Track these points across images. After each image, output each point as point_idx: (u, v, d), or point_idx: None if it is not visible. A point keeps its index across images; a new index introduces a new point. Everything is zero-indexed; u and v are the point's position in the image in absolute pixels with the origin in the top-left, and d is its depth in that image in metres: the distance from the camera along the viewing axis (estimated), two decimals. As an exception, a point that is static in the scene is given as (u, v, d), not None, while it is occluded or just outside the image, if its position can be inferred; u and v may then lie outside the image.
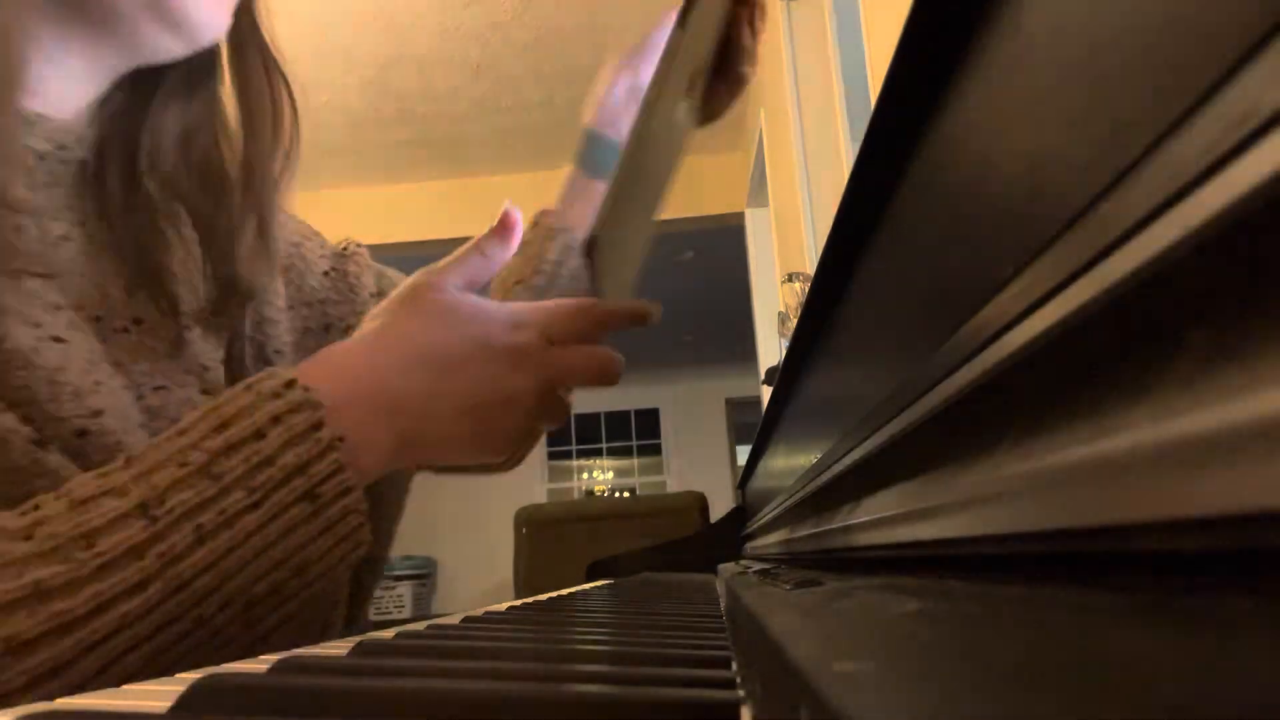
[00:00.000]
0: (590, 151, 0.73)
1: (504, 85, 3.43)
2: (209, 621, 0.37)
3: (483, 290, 0.52)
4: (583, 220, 0.73)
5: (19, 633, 0.33)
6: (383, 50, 3.20)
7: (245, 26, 0.57)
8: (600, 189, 0.71)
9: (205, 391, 0.53)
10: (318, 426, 0.41)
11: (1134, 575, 0.15)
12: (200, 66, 0.57)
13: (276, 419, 0.40)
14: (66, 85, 0.50)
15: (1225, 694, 0.08)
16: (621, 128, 0.72)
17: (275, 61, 0.58)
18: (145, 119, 0.55)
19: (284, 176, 0.57)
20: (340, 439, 0.41)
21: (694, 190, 4.04)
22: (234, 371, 0.58)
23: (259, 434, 0.39)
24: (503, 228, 0.52)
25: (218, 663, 0.29)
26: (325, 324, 0.66)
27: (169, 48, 0.51)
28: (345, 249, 0.71)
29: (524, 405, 0.48)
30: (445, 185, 4.17)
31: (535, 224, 0.74)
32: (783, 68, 2.66)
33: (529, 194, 4.08)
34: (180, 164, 0.56)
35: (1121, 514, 0.12)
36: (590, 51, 3.23)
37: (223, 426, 0.39)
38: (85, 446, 0.43)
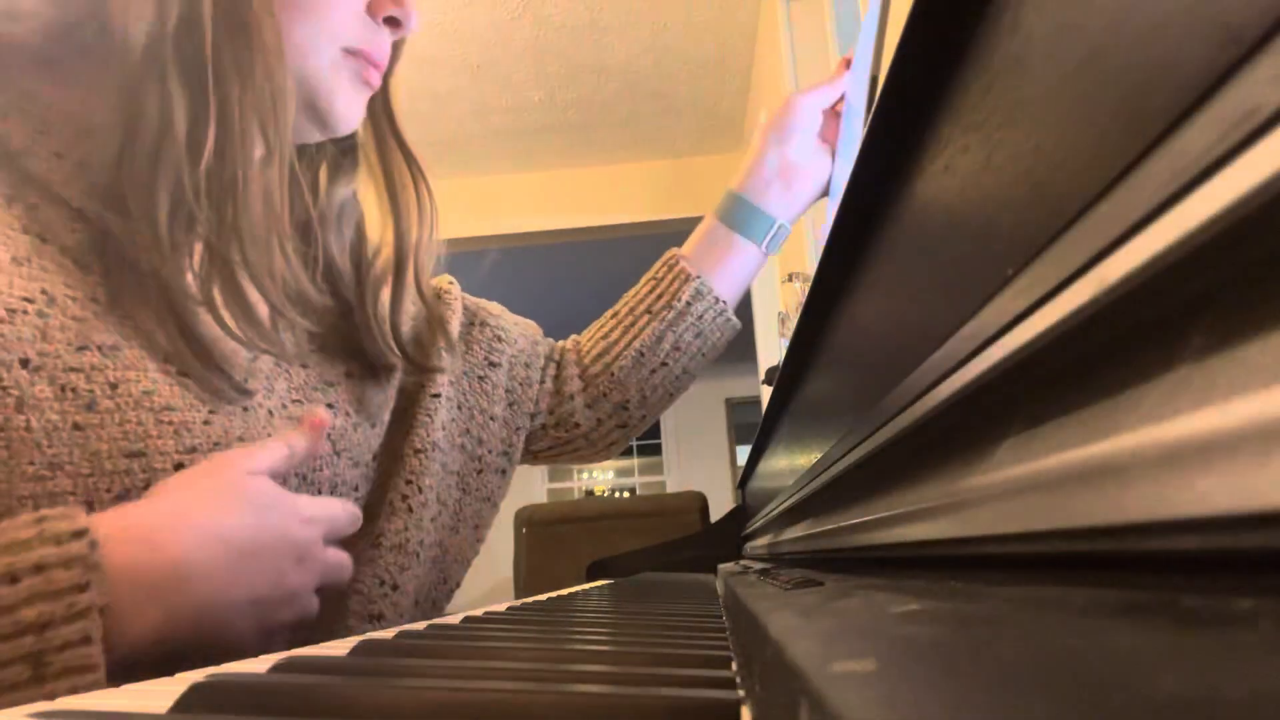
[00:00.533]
0: (735, 210, 0.80)
1: (504, 85, 3.43)
2: None
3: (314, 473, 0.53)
4: (714, 267, 0.79)
5: None
6: (383, 50, 3.20)
7: (386, 127, 0.64)
8: (740, 242, 0.80)
9: (330, 405, 0.58)
10: (81, 588, 0.37)
11: (1134, 575, 0.15)
12: (346, 161, 0.63)
13: (39, 567, 0.36)
14: None
15: (1225, 694, 0.08)
16: (770, 199, 0.79)
17: (414, 156, 0.64)
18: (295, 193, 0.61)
19: (430, 259, 0.64)
20: (103, 608, 0.37)
21: (694, 190, 4.04)
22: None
23: (13, 578, 0.36)
24: (312, 429, 0.52)
25: None
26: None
27: (311, 136, 0.57)
28: (437, 292, 0.76)
29: (299, 601, 0.47)
30: (446, 185, 4.15)
31: (669, 264, 0.79)
32: (783, 68, 2.66)
33: (530, 194, 4.05)
34: (334, 240, 0.61)
35: (1121, 514, 0.12)
36: (590, 51, 3.23)
37: None
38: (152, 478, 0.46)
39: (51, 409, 0.43)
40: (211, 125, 0.47)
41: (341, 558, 0.51)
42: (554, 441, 0.81)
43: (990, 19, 0.21)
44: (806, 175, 0.80)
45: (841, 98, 0.81)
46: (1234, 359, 0.11)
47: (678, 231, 4.66)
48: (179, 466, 0.46)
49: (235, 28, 0.48)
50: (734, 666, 0.26)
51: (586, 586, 0.98)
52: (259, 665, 0.27)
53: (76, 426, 0.43)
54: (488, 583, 7.08)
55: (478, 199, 4.11)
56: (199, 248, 0.49)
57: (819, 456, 0.48)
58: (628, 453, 7.94)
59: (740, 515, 1.31)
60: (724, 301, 0.79)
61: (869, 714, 0.10)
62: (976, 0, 0.22)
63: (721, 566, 1.09)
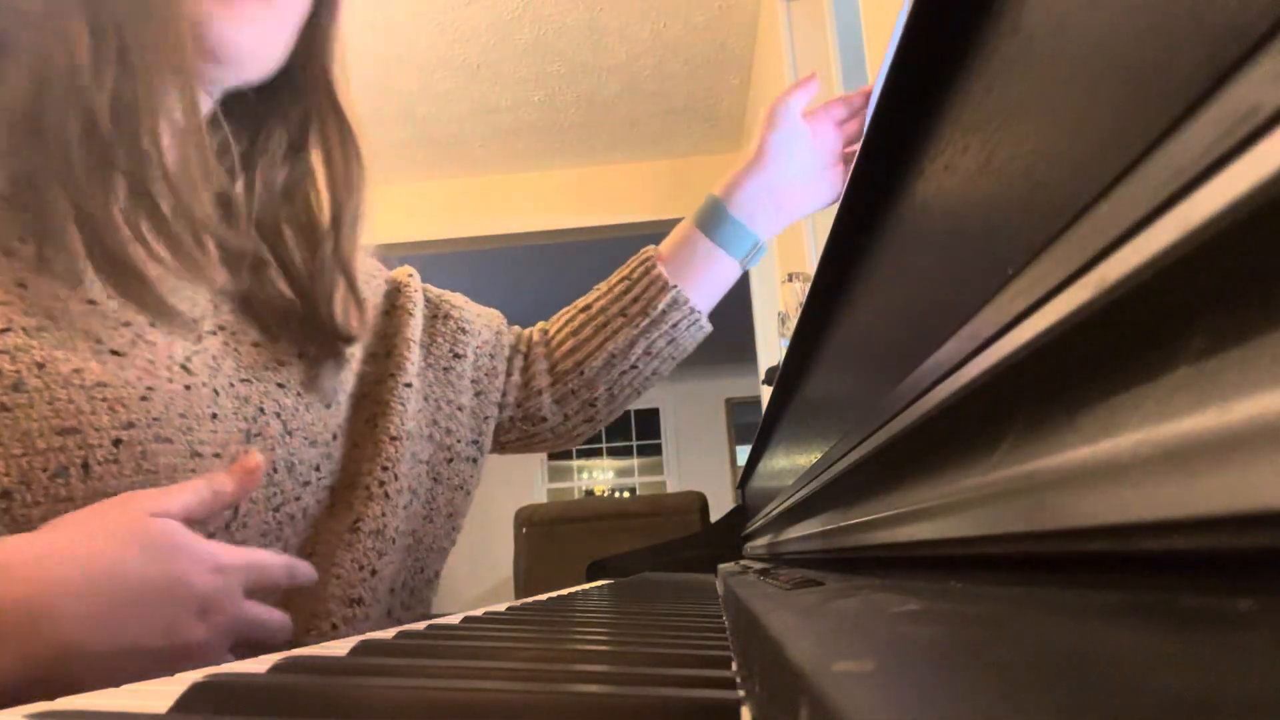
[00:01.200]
0: (718, 223, 0.77)
1: (504, 85, 3.43)
2: None
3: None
4: (691, 277, 0.77)
5: None
6: (383, 50, 3.20)
7: (324, 94, 0.63)
8: (720, 257, 0.77)
9: (280, 385, 0.57)
10: None
11: (1134, 575, 0.15)
12: (298, 128, 0.62)
13: None
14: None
15: (1225, 694, 0.08)
16: (754, 216, 0.77)
17: (350, 129, 0.63)
18: (249, 157, 0.60)
19: (354, 232, 0.62)
20: None
21: (694, 190, 4.03)
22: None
23: None
24: (244, 471, 0.49)
25: None
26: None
27: (221, 78, 0.55)
28: (396, 284, 0.74)
29: (202, 655, 0.43)
30: (445, 185, 4.17)
31: (645, 266, 0.77)
32: (783, 68, 2.66)
33: (530, 194, 4.05)
34: (283, 215, 0.61)
35: (1121, 514, 0.12)
36: (590, 51, 3.23)
37: None
38: (120, 454, 0.46)
39: None
40: (112, 63, 0.48)
41: (273, 616, 0.48)
42: (521, 434, 0.81)
43: (990, 19, 0.21)
44: (803, 195, 0.79)
45: (847, 107, 0.80)
46: (1234, 359, 0.11)
47: (678, 231, 4.61)
48: (117, 443, 0.45)
49: None
50: (734, 666, 0.26)
51: (586, 586, 0.98)
52: (259, 665, 0.27)
53: (3, 407, 0.43)
54: (488, 583, 7.08)
55: (478, 199, 4.11)
56: (122, 190, 0.49)
57: (819, 456, 0.48)
58: (628, 453, 7.93)
59: (740, 515, 1.31)
60: (699, 311, 0.78)
61: (869, 714, 0.10)
62: (976, 0, 0.22)
63: (721, 566, 1.09)
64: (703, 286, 0.78)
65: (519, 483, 7.39)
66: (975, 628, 0.16)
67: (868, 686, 0.12)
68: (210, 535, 0.49)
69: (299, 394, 0.58)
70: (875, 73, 1.81)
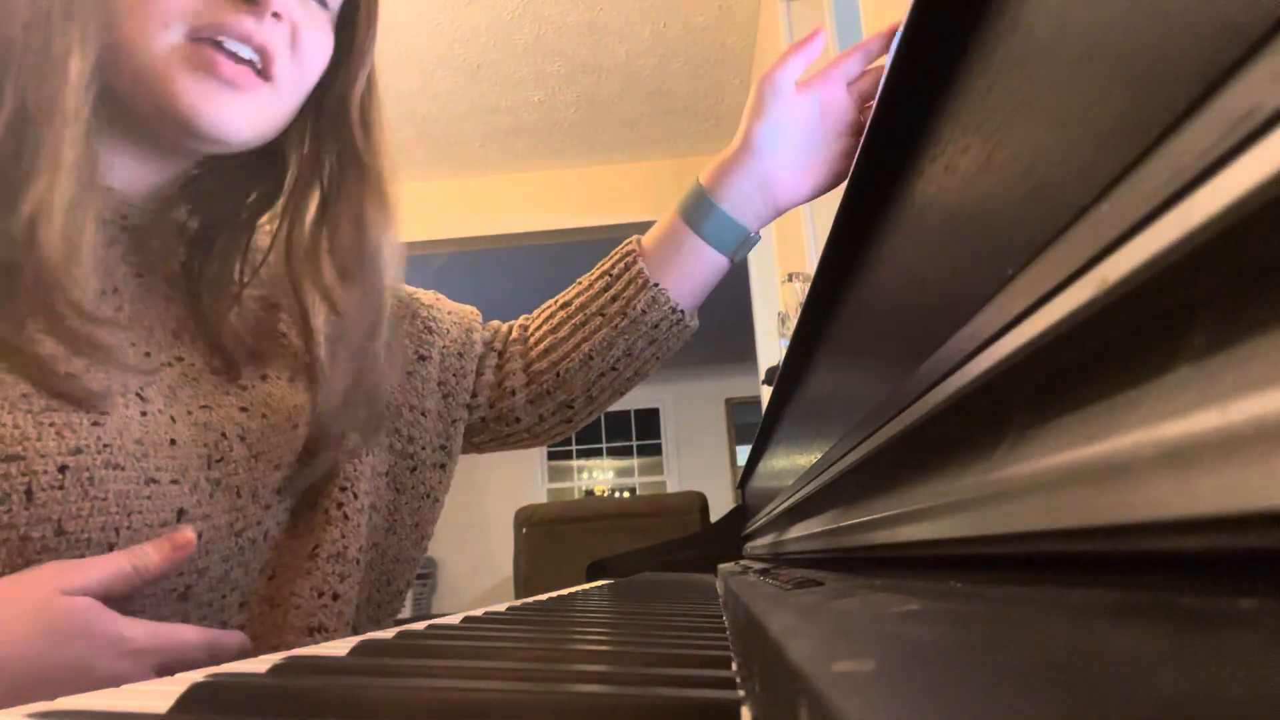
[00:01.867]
0: (705, 216, 0.70)
1: (504, 85, 3.43)
2: None
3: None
4: (674, 272, 0.71)
5: None
6: (383, 50, 3.20)
7: (342, 139, 0.60)
8: (706, 252, 0.70)
9: (243, 409, 0.56)
10: None
11: (1134, 575, 0.15)
12: (299, 190, 0.60)
13: None
14: (135, 168, 0.55)
15: (1225, 694, 0.08)
16: (742, 208, 0.69)
17: (371, 177, 0.61)
18: (226, 206, 0.60)
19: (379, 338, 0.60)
20: None
21: (694, 190, 4.03)
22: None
23: None
24: (172, 547, 0.47)
25: None
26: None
27: (198, 147, 0.54)
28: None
29: None
30: (445, 185, 4.17)
31: (625, 261, 0.72)
32: (783, 68, 2.66)
33: (530, 194, 4.04)
34: (309, 271, 0.59)
35: (1121, 514, 0.12)
36: (590, 51, 3.23)
37: None
38: (66, 480, 0.44)
39: None
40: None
41: (229, 641, 0.47)
42: (494, 434, 0.77)
43: (990, 19, 0.21)
44: (801, 181, 0.68)
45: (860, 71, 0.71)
46: (1234, 359, 0.11)
47: (678, 231, 4.60)
48: (63, 469, 0.44)
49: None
50: (734, 666, 0.26)
51: (586, 586, 0.98)
52: (259, 665, 0.27)
53: None
54: (488, 583, 7.07)
55: (478, 199, 4.10)
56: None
57: (819, 456, 0.48)
58: (628, 453, 7.93)
59: (740, 515, 1.31)
60: (681, 310, 0.72)
61: (869, 714, 0.10)
62: (976, 0, 0.22)
63: (721, 566, 1.09)
64: (687, 283, 0.72)
65: (519, 483, 7.38)
66: (975, 628, 0.16)
67: (868, 686, 0.12)
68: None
69: (264, 415, 0.57)
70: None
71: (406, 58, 3.26)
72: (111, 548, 0.45)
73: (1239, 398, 0.10)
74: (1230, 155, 0.10)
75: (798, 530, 0.59)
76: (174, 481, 0.49)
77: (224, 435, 0.53)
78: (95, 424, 0.46)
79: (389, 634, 0.36)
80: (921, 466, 0.27)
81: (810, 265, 2.40)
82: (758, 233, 0.71)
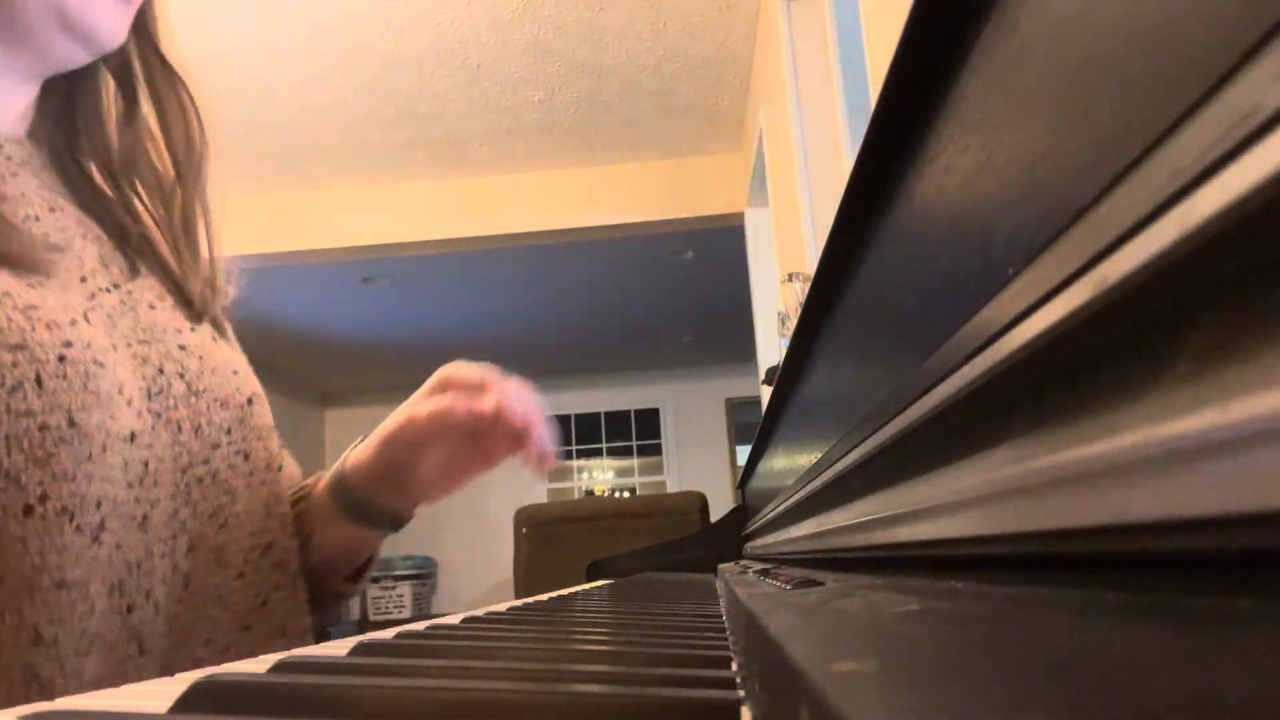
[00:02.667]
0: (356, 508, 0.64)
1: (504, 85, 3.43)
2: None
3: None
4: (335, 547, 0.66)
5: None
6: (383, 50, 3.20)
7: (146, 44, 0.63)
8: (365, 534, 0.65)
9: (182, 347, 0.56)
10: None
11: (1134, 575, 0.15)
12: (124, 84, 0.62)
13: None
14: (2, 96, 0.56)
15: (1225, 694, 0.08)
16: (395, 498, 0.64)
17: (177, 73, 0.63)
18: (78, 123, 0.61)
19: (200, 181, 0.63)
20: None
21: (694, 190, 4.03)
22: None
23: None
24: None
25: None
26: None
27: (74, 56, 0.56)
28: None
29: None
30: (445, 185, 4.17)
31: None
32: (783, 68, 2.66)
33: (529, 193, 4.04)
34: (131, 169, 0.61)
35: (1121, 514, 0.12)
36: (590, 51, 3.23)
37: None
38: (67, 370, 0.46)
39: None
40: None
41: None
42: None
43: (990, 19, 0.21)
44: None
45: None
46: (1234, 359, 0.11)
47: (678, 231, 4.67)
48: (61, 359, 0.46)
49: None
50: (734, 666, 0.26)
51: (586, 586, 0.98)
52: (259, 665, 0.27)
53: None
54: (488, 583, 7.07)
55: (478, 199, 4.11)
56: None
57: (819, 456, 0.48)
58: (628, 453, 7.93)
59: (740, 515, 1.31)
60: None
61: (869, 714, 0.10)
62: (976, 0, 0.22)
63: (721, 566, 1.09)
64: (347, 557, 0.67)
65: (519, 483, 7.39)
66: (975, 628, 0.16)
67: (868, 686, 0.12)
68: (129, 486, 0.48)
69: (201, 358, 0.58)
70: (875, 72, 1.81)
71: (406, 58, 3.26)
72: (105, 448, 0.46)
73: (1239, 398, 0.10)
74: (1230, 155, 0.10)
75: (798, 530, 0.59)
76: (129, 401, 0.50)
77: (161, 371, 0.54)
78: (73, 323, 0.47)
79: (389, 634, 0.36)
80: (921, 466, 0.27)
81: (810, 265, 2.40)
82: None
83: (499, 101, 3.55)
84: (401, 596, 6.53)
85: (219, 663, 0.48)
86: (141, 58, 0.63)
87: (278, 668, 0.25)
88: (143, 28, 0.62)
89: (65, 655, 0.43)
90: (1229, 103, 0.10)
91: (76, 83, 0.61)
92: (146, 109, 0.63)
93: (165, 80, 0.63)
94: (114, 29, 0.56)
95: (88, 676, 0.45)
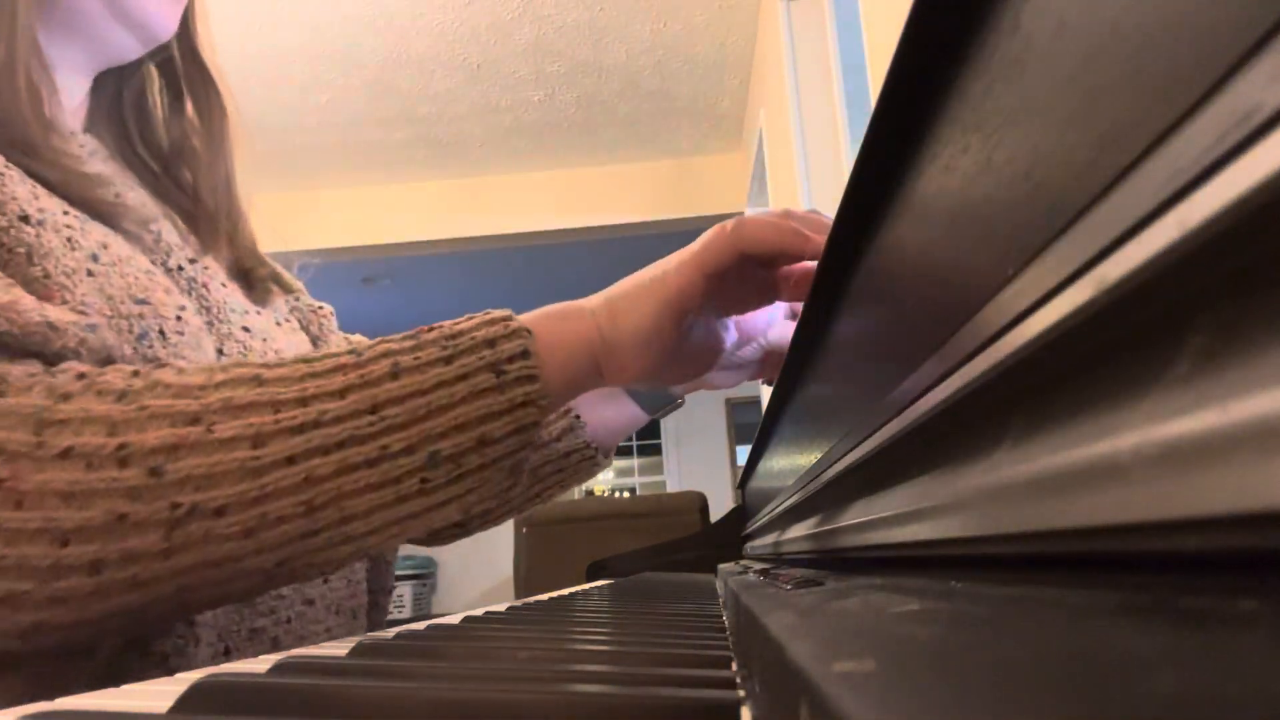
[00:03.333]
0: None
1: (504, 85, 3.43)
2: (391, 458, 0.40)
3: None
4: (593, 414, 0.72)
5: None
6: (383, 50, 3.20)
7: (187, 50, 0.66)
8: (630, 406, 0.73)
9: (246, 329, 0.59)
10: (509, 318, 0.46)
11: (1134, 575, 0.15)
12: (170, 80, 0.66)
13: (471, 317, 0.46)
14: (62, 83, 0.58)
15: (1225, 694, 0.08)
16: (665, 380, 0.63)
17: (212, 78, 0.67)
18: (127, 117, 0.63)
19: (221, 167, 0.66)
20: (528, 330, 0.45)
21: (694, 190, 4.03)
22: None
23: (455, 322, 0.46)
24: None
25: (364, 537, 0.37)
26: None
27: (128, 45, 0.58)
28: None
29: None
30: (445, 185, 4.17)
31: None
32: (783, 68, 2.66)
33: (529, 193, 4.06)
34: (180, 160, 0.64)
35: (1121, 514, 0.12)
36: (590, 51, 3.23)
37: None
38: (184, 329, 0.49)
39: (66, 256, 0.45)
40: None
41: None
42: None
43: (990, 19, 0.21)
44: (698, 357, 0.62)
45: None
46: (1234, 359, 0.11)
47: (678, 231, 4.69)
48: (178, 316, 0.49)
49: None
50: (734, 666, 0.26)
51: (586, 586, 0.98)
52: (259, 665, 0.27)
53: (89, 273, 0.46)
54: (488, 583, 7.07)
55: (478, 199, 4.11)
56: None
57: (819, 456, 0.48)
58: (628, 453, 7.93)
59: (740, 515, 1.31)
60: (594, 447, 0.73)
61: (869, 714, 0.10)
62: (976, 0, 0.22)
63: (721, 566, 1.09)
64: (603, 427, 0.74)
65: (519, 483, 7.37)
66: (975, 628, 0.16)
67: (868, 686, 0.12)
68: None
69: (265, 340, 0.60)
70: (875, 72, 1.81)
71: (406, 58, 3.26)
72: None
73: (1239, 398, 0.10)
74: (1230, 155, 0.10)
75: (798, 530, 0.59)
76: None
77: (222, 351, 0.56)
78: (167, 291, 0.50)
79: (389, 634, 0.36)
80: (921, 466, 0.27)
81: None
82: (681, 398, 0.75)
83: (499, 101, 3.55)
84: (401, 596, 6.53)
85: (281, 635, 0.51)
86: (181, 53, 0.65)
87: (278, 668, 0.25)
88: (184, 30, 0.65)
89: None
90: (1229, 103, 0.10)
91: (124, 79, 0.63)
92: (188, 101, 0.66)
93: (201, 83, 0.66)
94: (166, 19, 0.58)
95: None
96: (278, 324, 0.64)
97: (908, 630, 0.17)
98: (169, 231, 0.58)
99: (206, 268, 0.59)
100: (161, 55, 0.64)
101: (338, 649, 0.31)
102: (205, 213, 0.63)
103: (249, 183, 0.67)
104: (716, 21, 3.07)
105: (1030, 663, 0.12)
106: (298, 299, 0.71)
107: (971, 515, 0.20)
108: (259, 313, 0.62)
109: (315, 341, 0.71)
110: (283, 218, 4.23)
